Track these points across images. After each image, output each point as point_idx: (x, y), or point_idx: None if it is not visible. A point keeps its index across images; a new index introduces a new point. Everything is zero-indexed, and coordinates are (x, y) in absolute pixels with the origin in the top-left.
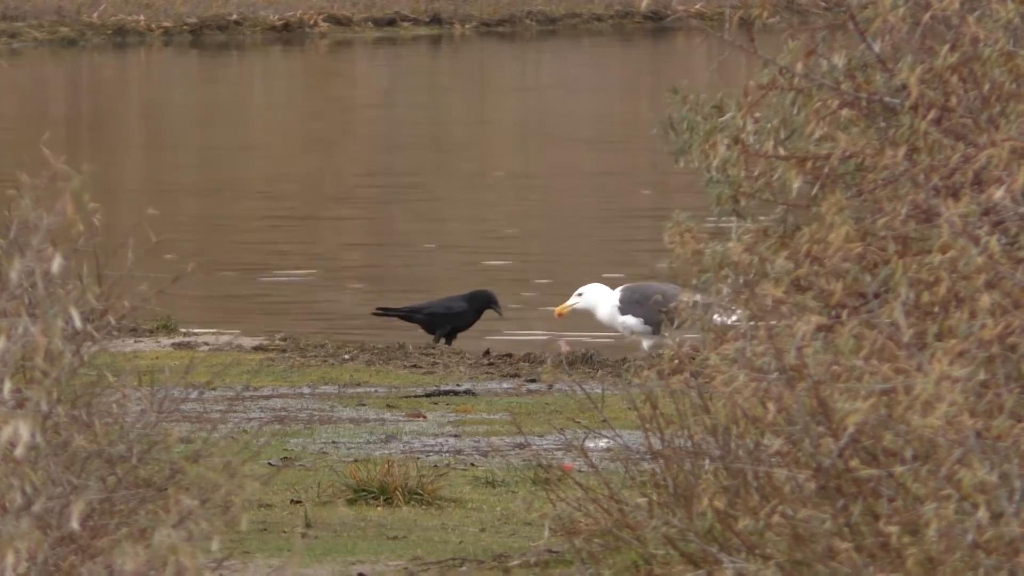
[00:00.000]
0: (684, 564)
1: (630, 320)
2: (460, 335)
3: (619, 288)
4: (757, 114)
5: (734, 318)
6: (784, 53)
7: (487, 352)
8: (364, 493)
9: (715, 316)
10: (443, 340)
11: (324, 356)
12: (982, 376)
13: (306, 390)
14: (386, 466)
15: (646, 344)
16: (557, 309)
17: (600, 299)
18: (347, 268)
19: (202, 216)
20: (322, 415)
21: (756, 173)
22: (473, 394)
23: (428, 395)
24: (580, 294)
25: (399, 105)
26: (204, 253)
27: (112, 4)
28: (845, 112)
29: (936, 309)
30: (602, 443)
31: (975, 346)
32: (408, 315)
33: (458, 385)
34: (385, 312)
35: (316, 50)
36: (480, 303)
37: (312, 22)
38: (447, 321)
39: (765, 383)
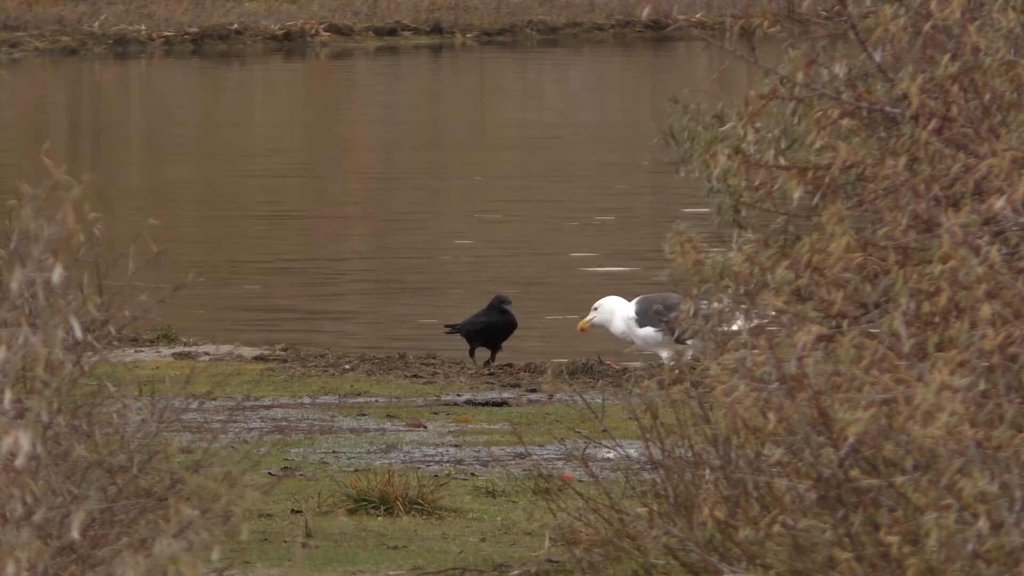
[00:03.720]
0: (685, 574)
1: (649, 332)
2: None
3: (634, 300)
4: (758, 124)
5: (737, 324)
6: (785, 63)
7: (488, 362)
8: (364, 503)
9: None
10: (490, 354)
11: (325, 366)
12: (983, 386)
13: (307, 400)
14: (386, 476)
15: (664, 355)
16: (579, 324)
17: (614, 312)
18: (349, 276)
19: (203, 225)
20: (323, 425)
21: (757, 183)
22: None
23: (429, 405)
24: (596, 308)
25: (400, 114)
26: (205, 262)
27: (113, 14)
28: (846, 122)
29: (937, 319)
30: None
31: (976, 356)
32: (458, 331)
33: (458, 395)
34: (453, 329)
35: (317, 59)
36: (496, 310)
37: (313, 31)
38: (475, 337)
39: (766, 393)
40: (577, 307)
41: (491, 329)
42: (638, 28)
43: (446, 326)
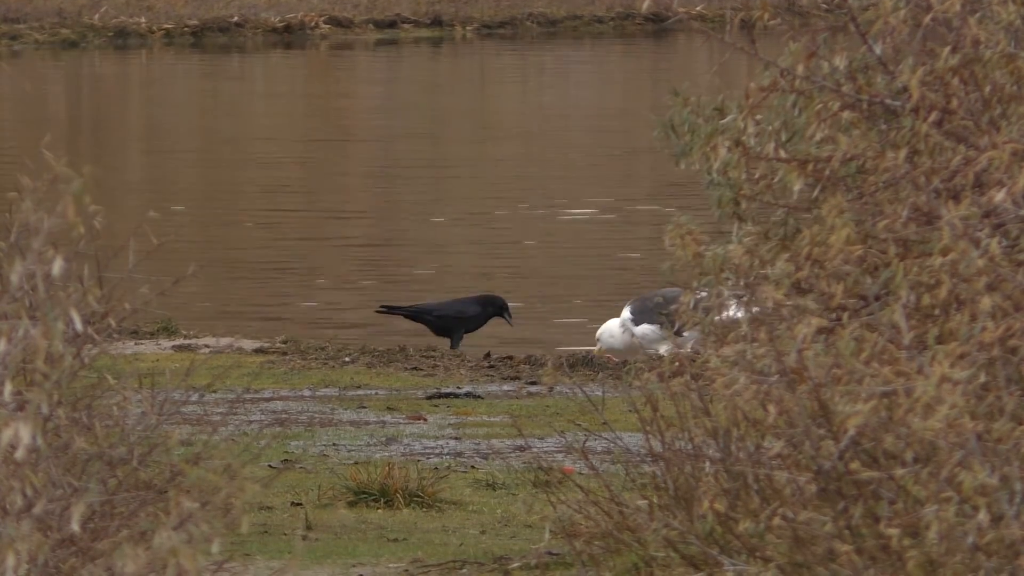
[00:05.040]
0: (685, 566)
1: (646, 329)
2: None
3: (628, 302)
4: (758, 116)
5: (736, 312)
6: (785, 55)
7: (488, 354)
8: (364, 495)
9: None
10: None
11: (325, 358)
12: (983, 379)
13: (307, 392)
14: (386, 468)
15: (663, 350)
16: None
17: (613, 333)
18: (349, 269)
19: (203, 217)
20: (323, 417)
21: (757, 176)
22: (475, 396)
23: (429, 397)
24: (599, 342)
25: (400, 106)
26: (205, 255)
27: (113, 6)
28: (846, 114)
29: (937, 312)
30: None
31: (976, 349)
32: (415, 315)
33: (459, 388)
34: (389, 310)
35: (317, 52)
36: (492, 309)
37: (313, 24)
38: (459, 325)
39: (766, 386)
40: (578, 298)
41: (466, 322)
42: (638, 20)
43: (382, 306)
